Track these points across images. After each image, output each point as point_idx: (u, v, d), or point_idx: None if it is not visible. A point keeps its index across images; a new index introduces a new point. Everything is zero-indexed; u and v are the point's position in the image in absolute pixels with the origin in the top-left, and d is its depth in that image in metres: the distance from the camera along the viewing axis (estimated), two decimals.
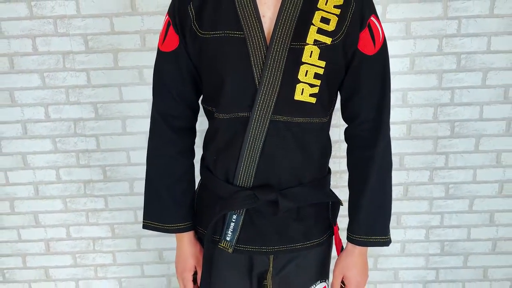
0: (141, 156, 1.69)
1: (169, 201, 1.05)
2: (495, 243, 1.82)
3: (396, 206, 1.72)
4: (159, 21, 1.56)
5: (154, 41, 1.58)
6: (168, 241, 1.82)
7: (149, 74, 1.62)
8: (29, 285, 1.89)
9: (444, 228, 1.81)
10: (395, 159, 1.69)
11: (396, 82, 1.62)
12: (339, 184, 1.70)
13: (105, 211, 1.79)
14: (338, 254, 1.11)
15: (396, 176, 1.73)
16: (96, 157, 1.71)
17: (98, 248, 1.84)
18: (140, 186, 1.75)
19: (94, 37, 1.58)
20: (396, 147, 1.66)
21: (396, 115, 1.66)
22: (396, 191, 1.75)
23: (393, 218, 1.69)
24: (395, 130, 1.68)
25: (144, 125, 1.67)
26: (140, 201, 1.70)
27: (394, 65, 1.58)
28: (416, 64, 1.61)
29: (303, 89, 0.92)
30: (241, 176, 0.97)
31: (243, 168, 0.96)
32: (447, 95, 1.65)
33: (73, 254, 1.85)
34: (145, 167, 1.62)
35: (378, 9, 1.53)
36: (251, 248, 1.02)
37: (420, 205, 1.78)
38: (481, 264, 1.85)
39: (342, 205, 1.09)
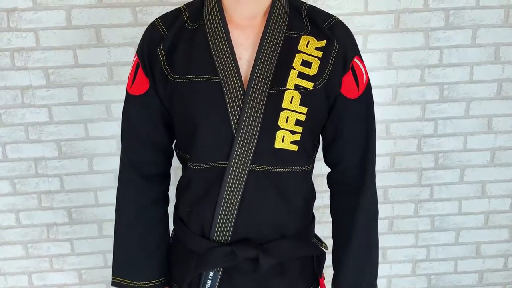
0: (110, 196, 1.64)
1: (141, 255, 1.01)
2: (481, 275, 1.83)
3: (381, 240, 1.71)
4: (127, 53, 1.50)
5: (122, 74, 1.53)
6: None
7: (117, 109, 1.56)
8: None
9: (431, 262, 1.80)
10: (379, 192, 1.62)
11: (379, 114, 1.53)
12: (322, 220, 1.65)
13: (71, 256, 1.71)
14: None
15: (381, 210, 1.66)
16: (60, 198, 1.64)
17: None
18: (109, 228, 1.68)
19: (56, 71, 1.51)
20: (380, 180, 1.61)
21: (380, 147, 1.60)
22: (381, 225, 1.67)
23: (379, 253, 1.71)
24: (379, 163, 1.61)
25: (112, 163, 1.61)
26: (110, 244, 1.64)
27: (376, 96, 1.51)
28: (398, 94, 1.61)
29: (283, 136, 0.89)
30: (217, 231, 0.93)
31: (219, 222, 0.92)
32: (430, 126, 1.65)
33: None
34: (114, 207, 1.59)
35: (359, 39, 1.52)
36: None
37: (405, 238, 1.77)
38: None
39: (327, 249, 1.07)
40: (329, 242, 1.06)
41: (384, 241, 1.75)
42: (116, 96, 1.54)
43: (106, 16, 1.47)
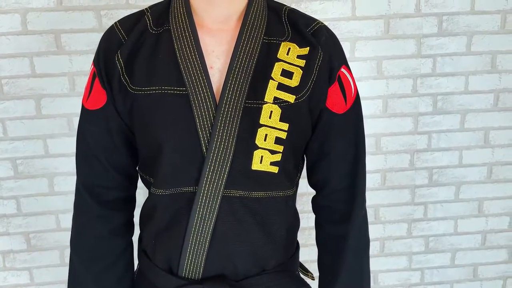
0: None
1: None
2: None
3: (372, 264, 1.65)
4: (90, 61, 1.41)
5: (84, 85, 1.44)
6: None
7: None
8: None
9: (426, 286, 1.79)
10: (369, 212, 1.59)
11: (368, 127, 1.51)
12: (308, 242, 1.60)
13: (30, 287, 1.63)
14: None
15: (372, 231, 1.59)
16: (17, 223, 1.58)
17: None
18: None
19: (10, 81, 1.46)
20: (370, 198, 1.58)
21: (369, 163, 1.56)
22: (372, 247, 1.64)
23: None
24: (369, 180, 1.57)
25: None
26: None
27: (366, 107, 1.48)
28: (389, 106, 1.60)
29: (262, 156, 0.85)
30: (186, 266, 0.87)
31: (189, 256, 0.87)
32: (423, 140, 1.64)
33: None
34: None
35: (346, 46, 1.48)
36: None
37: (398, 261, 1.76)
38: None
39: (313, 279, 1.04)
40: (316, 267, 1.02)
41: (375, 264, 1.72)
42: (78, 109, 1.40)
43: (66, 20, 1.43)
